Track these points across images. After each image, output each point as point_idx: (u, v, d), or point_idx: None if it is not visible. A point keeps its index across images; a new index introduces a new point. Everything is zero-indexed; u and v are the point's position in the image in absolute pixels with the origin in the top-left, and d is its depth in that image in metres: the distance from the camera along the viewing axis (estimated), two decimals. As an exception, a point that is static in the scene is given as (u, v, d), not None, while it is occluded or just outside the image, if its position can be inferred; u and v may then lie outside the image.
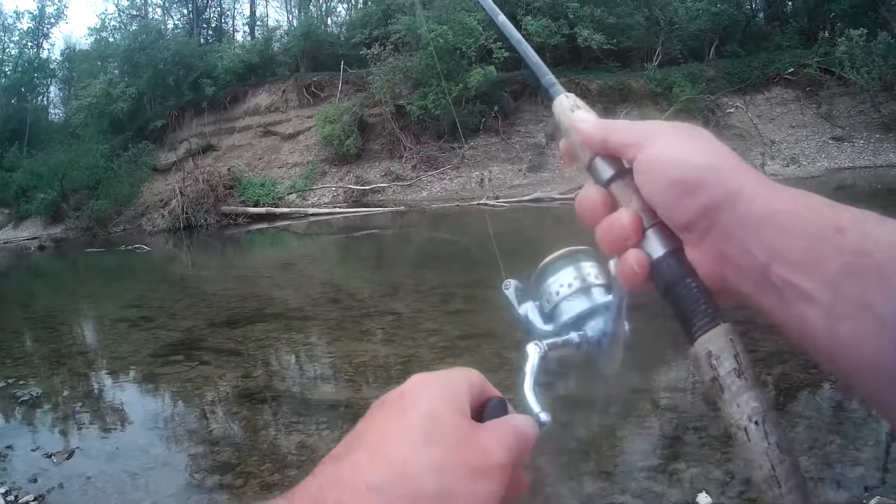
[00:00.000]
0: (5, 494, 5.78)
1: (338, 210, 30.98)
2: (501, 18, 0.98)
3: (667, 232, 0.74)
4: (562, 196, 26.34)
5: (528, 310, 0.89)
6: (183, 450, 6.77)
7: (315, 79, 40.31)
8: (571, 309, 0.86)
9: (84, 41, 57.90)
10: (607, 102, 35.25)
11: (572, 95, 0.88)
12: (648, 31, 37.43)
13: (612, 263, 0.81)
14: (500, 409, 0.75)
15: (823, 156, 32.17)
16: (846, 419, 5.81)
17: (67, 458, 6.48)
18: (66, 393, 8.97)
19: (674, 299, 0.72)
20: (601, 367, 0.86)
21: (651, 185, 0.73)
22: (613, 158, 0.79)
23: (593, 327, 0.85)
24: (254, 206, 32.18)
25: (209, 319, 12.08)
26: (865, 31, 31.82)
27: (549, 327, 0.87)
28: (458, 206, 28.79)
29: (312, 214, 30.96)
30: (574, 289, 0.86)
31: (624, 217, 0.75)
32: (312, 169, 36.29)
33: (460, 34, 32.75)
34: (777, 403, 6.56)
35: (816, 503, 4.87)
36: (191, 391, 8.37)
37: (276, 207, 32.18)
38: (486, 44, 33.59)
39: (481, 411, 0.74)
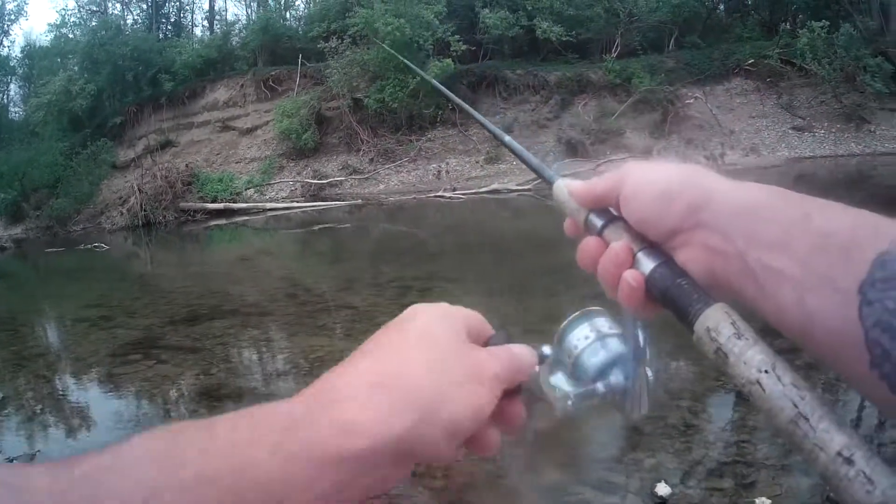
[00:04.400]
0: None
1: (295, 204, 30.84)
2: (507, 139, 1.20)
3: (656, 250, 0.83)
4: (519, 187, 26.45)
5: (558, 381, 0.91)
6: (142, 450, 6.82)
7: (273, 73, 39.93)
8: (591, 360, 0.89)
9: (44, 38, 57.14)
10: (566, 93, 35.43)
11: (567, 177, 1.00)
12: (608, 23, 37.24)
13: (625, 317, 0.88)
14: (502, 338, 0.84)
15: (784, 145, 32.66)
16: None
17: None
18: (27, 396, 9.01)
19: (670, 300, 0.79)
20: (628, 413, 0.90)
21: (639, 205, 0.84)
22: (603, 211, 0.90)
23: (616, 375, 0.89)
24: (212, 201, 31.82)
25: (168, 317, 12.10)
26: (828, 23, 32.10)
27: (574, 385, 0.91)
28: (415, 198, 28.83)
29: (270, 209, 30.75)
30: (591, 340, 0.89)
31: (616, 247, 0.85)
32: (270, 163, 36.01)
33: (417, 27, 32.59)
34: (737, 393, 6.64)
35: (783, 487, 4.93)
36: (150, 390, 8.41)
37: (234, 203, 31.86)
38: (443, 37, 33.59)
39: (484, 345, 0.82)
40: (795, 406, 0.62)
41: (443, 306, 0.82)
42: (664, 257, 0.82)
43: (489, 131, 1.26)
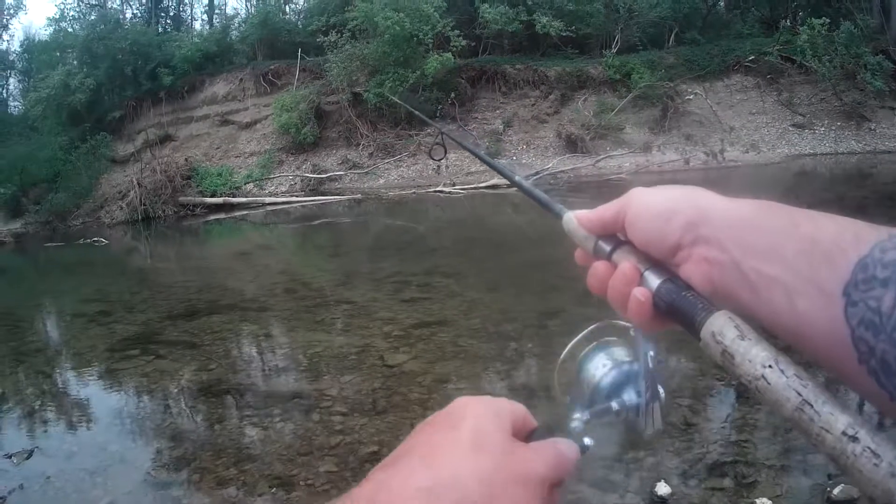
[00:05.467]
0: (-32, 496, 5.85)
1: (295, 199, 30.68)
2: (518, 179, 1.32)
3: (661, 267, 0.88)
4: (519, 182, 26.38)
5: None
6: (140, 446, 6.83)
7: (272, 67, 39.87)
8: (606, 382, 0.95)
9: (43, 32, 56.90)
10: (565, 89, 35.52)
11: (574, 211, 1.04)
12: (607, 19, 37.30)
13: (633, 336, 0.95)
14: (544, 433, 0.87)
15: (784, 142, 32.74)
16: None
17: (27, 459, 6.53)
18: (25, 392, 9.00)
19: (677, 311, 0.84)
20: (641, 430, 0.95)
21: (642, 225, 0.89)
22: (610, 236, 0.96)
23: (629, 394, 0.95)
24: (211, 196, 31.68)
25: (166, 312, 12.10)
26: (828, 20, 32.06)
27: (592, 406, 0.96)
28: (414, 193, 28.78)
29: (269, 204, 30.61)
30: (608, 368, 0.96)
31: (624, 267, 0.90)
32: (269, 158, 35.85)
33: (417, 21, 32.46)
34: (737, 392, 6.66)
35: (784, 488, 4.95)
36: (147, 386, 8.43)
37: (233, 197, 31.68)
38: (443, 31, 33.47)
39: (527, 439, 0.85)
40: (799, 394, 0.67)
41: (491, 402, 0.85)
42: (669, 273, 0.87)
43: (499, 172, 1.47)
